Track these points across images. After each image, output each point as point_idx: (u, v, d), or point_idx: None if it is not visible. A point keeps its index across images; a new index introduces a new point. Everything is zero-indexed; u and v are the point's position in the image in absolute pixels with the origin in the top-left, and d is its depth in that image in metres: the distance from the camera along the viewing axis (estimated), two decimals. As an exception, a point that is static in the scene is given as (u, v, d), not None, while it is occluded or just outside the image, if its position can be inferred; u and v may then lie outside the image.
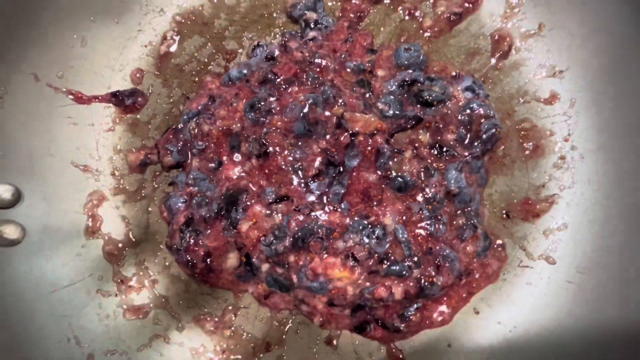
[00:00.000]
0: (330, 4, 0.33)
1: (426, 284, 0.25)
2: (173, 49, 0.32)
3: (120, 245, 0.28)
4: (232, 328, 0.27)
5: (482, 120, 0.28)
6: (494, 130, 0.27)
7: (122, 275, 0.28)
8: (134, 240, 0.29)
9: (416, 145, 0.27)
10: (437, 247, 0.25)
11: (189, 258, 0.27)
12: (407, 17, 0.32)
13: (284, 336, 0.27)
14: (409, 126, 0.27)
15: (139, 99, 0.31)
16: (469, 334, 0.27)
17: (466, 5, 0.32)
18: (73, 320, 0.24)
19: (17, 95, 0.25)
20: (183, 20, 0.32)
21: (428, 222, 0.25)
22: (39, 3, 0.25)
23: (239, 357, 0.26)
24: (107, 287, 0.27)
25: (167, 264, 0.29)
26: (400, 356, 0.26)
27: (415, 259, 0.25)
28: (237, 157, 0.28)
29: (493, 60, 0.31)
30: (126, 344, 0.26)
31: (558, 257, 0.27)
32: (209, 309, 0.28)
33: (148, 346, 0.26)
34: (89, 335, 0.25)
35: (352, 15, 0.32)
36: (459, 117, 0.28)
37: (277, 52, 0.31)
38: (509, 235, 0.28)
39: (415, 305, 0.26)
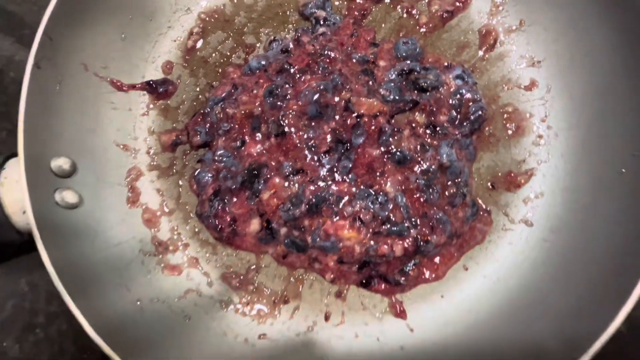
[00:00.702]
0: (337, 3, 0.36)
1: (422, 242, 0.28)
2: (199, 44, 0.36)
3: (156, 214, 0.32)
4: (255, 284, 0.31)
5: (470, 103, 0.32)
6: (480, 112, 0.31)
7: (158, 239, 0.31)
8: (167, 210, 0.32)
9: (413, 125, 0.31)
10: (432, 212, 0.29)
11: (217, 223, 0.31)
12: (405, 15, 0.36)
13: (300, 290, 0.31)
14: (407, 109, 0.31)
15: (170, 87, 0.35)
16: (459, 286, 0.30)
17: (457, 4, 0.36)
18: (123, 273, 0.28)
19: (70, 83, 0.29)
20: (207, 18, 0.36)
21: (423, 190, 0.29)
22: (88, 5, 0.29)
23: (262, 307, 0.31)
24: (147, 248, 0.31)
25: (196, 230, 0.32)
26: (401, 307, 0.31)
27: (413, 220, 0.29)
28: (258, 136, 0.32)
29: (480, 53, 0.34)
30: (166, 294, 0.29)
31: (535, 220, 0.31)
32: (234, 268, 0.32)
33: (184, 297, 0.30)
34: (136, 285, 0.28)
35: (356, 13, 0.36)
36: (450, 101, 0.32)
37: (291, 46, 0.35)
38: (494, 203, 0.32)
39: (413, 262, 0.30)
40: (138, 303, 0.28)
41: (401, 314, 0.30)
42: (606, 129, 0.29)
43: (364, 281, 0.31)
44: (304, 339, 0.30)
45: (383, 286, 0.30)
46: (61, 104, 0.29)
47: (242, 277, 0.31)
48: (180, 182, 0.33)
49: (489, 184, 0.32)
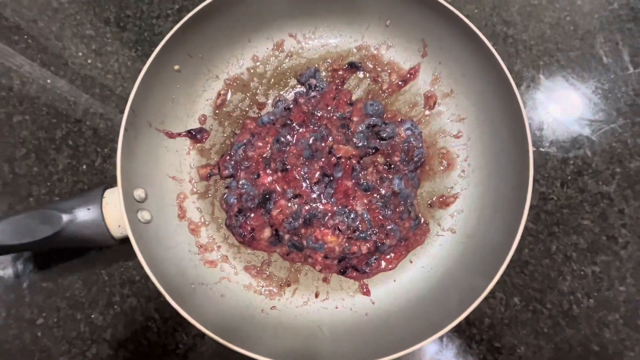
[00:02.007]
0: (324, 73, 0.51)
1: (380, 244, 0.41)
2: (225, 101, 0.49)
3: (198, 225, 0.43)
4: (267, 273, 0.41)
5: (415, 149, 0.46)
6: (421, 155, 0.45)
7: (200, 243, 0.42)
8: (205, 222, 0.45)
9: (375, 164, 0.45)
10: (386, 224, 0.43)
11: (241, 231, 0.43)
12: (372, 82, 0.46)
13: (298, 277, 0.45)
14: (371, 152, 0.44)
15: (204, 134, 0.45)
16: (406, 273, 0.41)
17: (408, 76, 0.50)
18: (180, 265, 0.38)
19: (141, 136, 0.38)
20: (230, 83, 0.46)
21: (382, 209, 0.43)
22: (154, 82, 0.41)
23: (272, 288, 0.44)
24: (193, 249, 0.40)
25: (226, 236, 0.43)
26: (366, 288, 0.44)
27: (374, 230, 0.41)
28: (269, 171, 0.45)
29: (425, 111, 0.45)
30: (208, 280, 0.39)
31: (457, 228, 0.41)
32: (252, 262, 0.42)
33: (219, 282, 0.40)
34: (189, 274, 0.37)
35: (337, 80, 0.50)
36: (402, 147, 0.46)
37: (291, 105, 0.49)
38: (431, 217, 0.42)
39: (374, 257, 0.42)
40: (192, 286, 0.38)
41: (367, 293, 0.42)
42: (499, 169, 0.41)
43: (341, 270, 0.41)
44: (302, 309, 0.40)
45: (354, 274, 0.40)
46: (137, 151, 0.38)
47: (258, 269, 0.42)
48: (214, 203, 0.44)
49: (428, 203, 0.44)
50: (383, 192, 0.41)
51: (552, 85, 0.49)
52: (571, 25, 0.50)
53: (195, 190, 0.43)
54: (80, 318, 0.42)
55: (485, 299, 0.41)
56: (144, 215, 0.39)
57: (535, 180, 0.44)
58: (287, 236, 0.40)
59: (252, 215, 0.41)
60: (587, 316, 0.42)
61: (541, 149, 0.46)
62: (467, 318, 0.40)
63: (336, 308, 0.41)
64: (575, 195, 0.45)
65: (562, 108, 0.48)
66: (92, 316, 0.42)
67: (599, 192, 0.45)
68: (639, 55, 0.49)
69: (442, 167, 0.44)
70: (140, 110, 0.40)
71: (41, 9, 0.50)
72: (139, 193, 0.39)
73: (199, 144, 0.44)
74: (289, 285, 0.41)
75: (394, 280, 0.42)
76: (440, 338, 0.40)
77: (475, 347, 0.41)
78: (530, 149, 0.37)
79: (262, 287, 0.41)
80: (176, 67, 0.43)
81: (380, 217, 0.40)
